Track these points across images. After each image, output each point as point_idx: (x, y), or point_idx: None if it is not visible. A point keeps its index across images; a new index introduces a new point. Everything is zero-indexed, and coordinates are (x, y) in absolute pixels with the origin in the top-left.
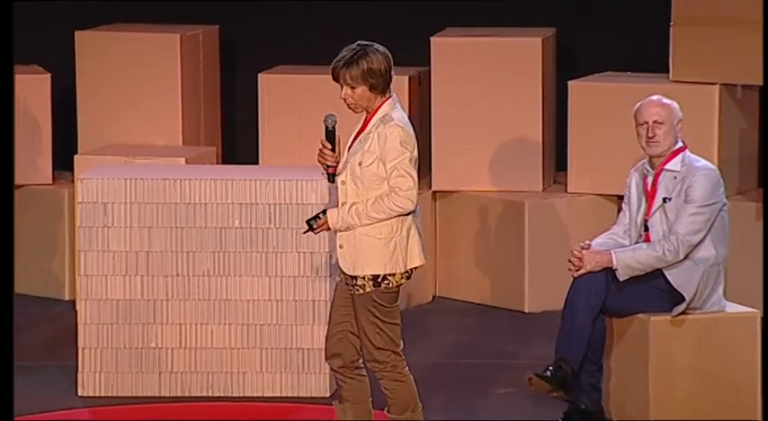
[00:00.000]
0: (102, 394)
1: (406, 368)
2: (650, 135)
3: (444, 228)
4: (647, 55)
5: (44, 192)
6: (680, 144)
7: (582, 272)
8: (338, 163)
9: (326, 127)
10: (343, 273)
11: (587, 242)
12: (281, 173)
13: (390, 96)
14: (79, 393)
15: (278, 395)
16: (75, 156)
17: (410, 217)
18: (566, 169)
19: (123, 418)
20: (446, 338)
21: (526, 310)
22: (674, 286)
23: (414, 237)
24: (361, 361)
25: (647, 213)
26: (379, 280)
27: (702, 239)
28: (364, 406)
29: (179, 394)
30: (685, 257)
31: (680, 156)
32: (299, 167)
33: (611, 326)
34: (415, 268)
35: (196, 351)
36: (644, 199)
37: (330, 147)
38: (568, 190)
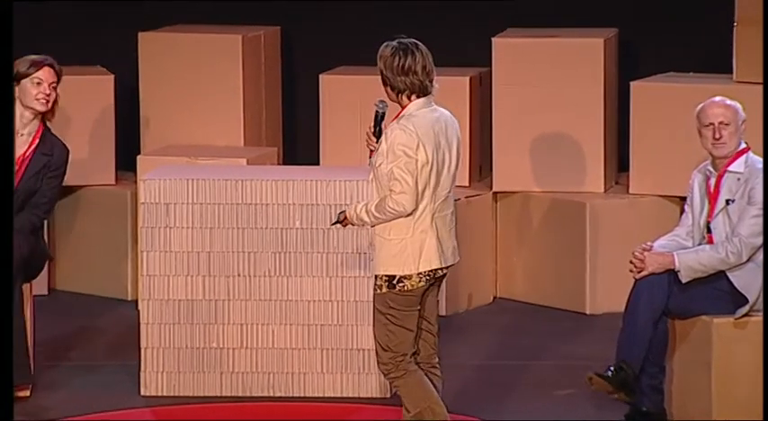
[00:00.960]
0: (165, 394)
1: (412, 364)
2: (717, 136)
3: (505, 229)
4: (710, 55)
5: (107, 193)
6: (743, 145)
7: (644, 273)
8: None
9: (375, 111)
10: None
11: (649, 243)
12: (341, 173)
13: (418, 97)
14: (142, 392)
15: (338, 395)
16: (138, 157)
17: (428, 219)
18: (627, 170)
19: (185, 418)
20: (506, 339)
21: (587, 312)
22: (738, 288)
23: (431, 240)
24: (437, 360)
25: (710, 215)
26: (394, 281)
27: (765, 241)
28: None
29: (240, 394)
30: (748, 259)
31: (743, 158)
32: (360, 168)
33: (673, 327)
34: (440, 274)
35: (257, 351)
36: (707, 201)
37: (374, 131)
38: (630, 191)
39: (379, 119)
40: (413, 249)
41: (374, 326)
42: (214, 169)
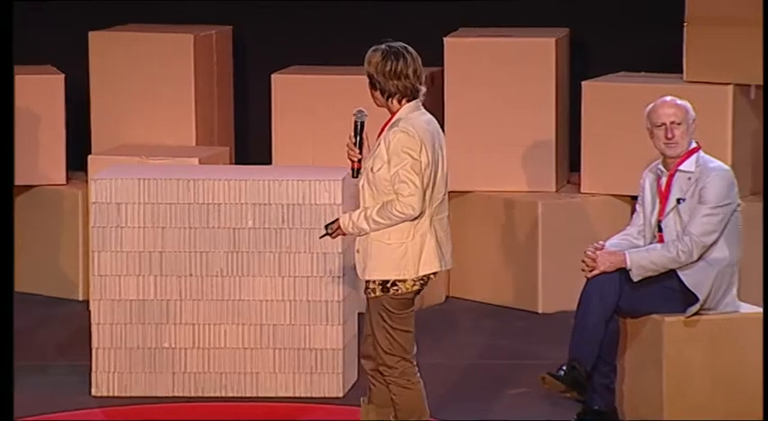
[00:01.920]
0: (116, 394)
1: (417, 376)
2: (669, 136)
3: (457, 229)
4: (660, 55)
5: (58, 193)
6: (693, 144)
7: (595, 272)
8: (361, 159)
9: (354, 122)
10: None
11: (601, 242)
12: (294, 173)
13: (409, 101)
14: (93, 393)
15: (291, 395)
16: (89, 157)
17: (426, 222)
18: (579, 169)
19: (137, 418)
20: (459, 339)
21: (539, 311)
22: (688, 287)
23: (430, 243)
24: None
25: (661, 214)
26: (388, 285)
27: (716, 240)
28: (388, 410)
29: (192, 394)
30: (699, 258)
31: (694, 157)
32: (312, 168)
33: (624, 326)
34: (432, 275)
35: (209, 351)
36: (658, 200)
37: (354, 141)
38: (582, 190)
39: (358, 129)
40: (413, 253)
41: (374, 329)
42: (166, 169)
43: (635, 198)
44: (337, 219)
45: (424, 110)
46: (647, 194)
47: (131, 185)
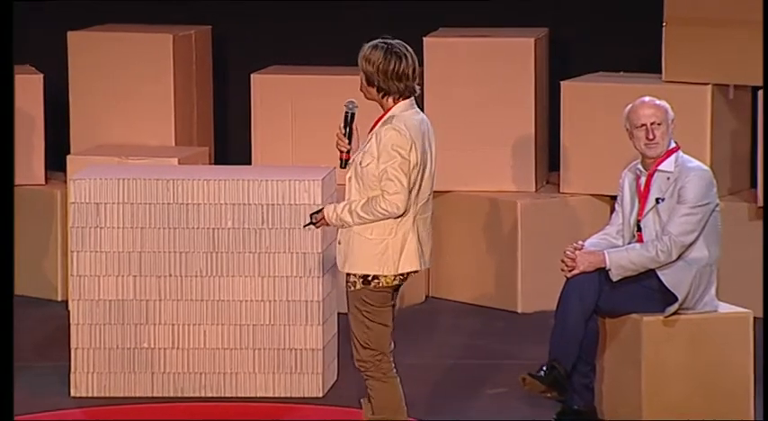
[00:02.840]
0: (95, 394)
1: (393, 371)
2: (650, 137)
3: (437, 228)
4: (639, 55)
5: (36, 193)
6: (672, 144)
7: (575, 272)
8: (350, 150)
9: (345, 112)
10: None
11: (580, 242)
12: (273, 173)
13: (405, 99)
14: (72, 394)
15: (271, 395)
16: (68, 157)
17: (410, 221)
18: (558, 169)
19: (116, 419)
20: (438, 339)
21: (519, 311)
22: (667, 286)
23: (411, 241)
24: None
25: (640, 214)
26: (369, 278)
27: (695, 240)
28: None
29: (171, 394)
30: (678, 258)
31: (673, 157)
32: (292, 168)
33: (603, 326)
34: (411, 272)
35: (189, 351)
36: (637, 199)
37: (344, 132)
38: (561, 190)
39: (348, 119)
40: (394, 250)
41: (352, 323)
42: (145, 169)
43: (614, 198)
44: (322, 209)
45: (417, 108)
46: (626, 194)
47: (110, 185)
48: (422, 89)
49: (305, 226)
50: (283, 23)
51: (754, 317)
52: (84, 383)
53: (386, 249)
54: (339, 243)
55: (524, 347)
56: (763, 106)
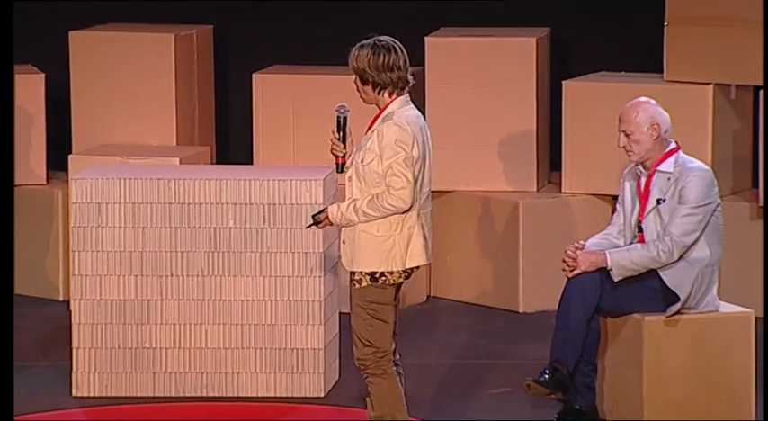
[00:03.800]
0: (97, 394)
1: (393, 368)
2: (621, 144)
3: (438, 228)
4: (641, 55)
5: (38, 193)
6: (673, 145)
7: (576, 272)
8: (346, 154)
9: (337, 117)
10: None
11: (581, 242)
12: (275, 173)
13: (401, 95)
14: (73, 393)
15: (272, 395)
16: (69, 157)
17: (414, 215)
18: (560, 169)
19: (117, 418)
20: (440, 338)
21: (520, 310)
22: (669, 286)
23: (417, 236)
24: (398, 357)
25: (641, 214)
26: (377, 275)
27: (696, 240)
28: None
29: (173, 394)
30: (680, 258)
31: (673, 157)
32: (293, 167)
33: (605, 326)
34: (416, 268)
35: (190, 351)
36: (638, 200)
37: (338, 136)
38: (563, 190)
39: (341, 124)
40: (401, 246)
41: (354, 321)
42: (146, 168)
43: (615, 197)
44: (325, 210)
45: (412, 105)
46: (627, 195)
47: (112, 185)
48: (423, 89)
49: (307, 227)
50: (285, 23)
51: (756, 317)
52: (85, 383)
53: (393, 245)
54: (343, 242)
55: (525, 347)
56: (764, 106)
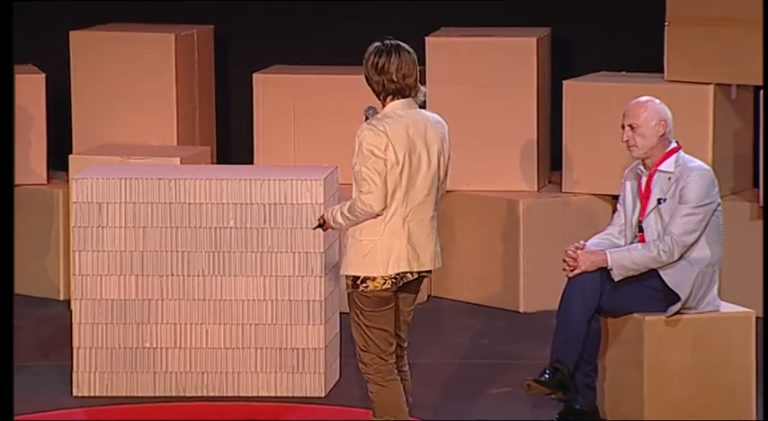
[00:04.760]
0: (97, 394)
1: (394, 373)
2: (625, 139)
3: (439, 228)
4: (641, 54)
5: (38, 192)
6: (674, 144)
7: (577, 272)
8: None
9: (365, 117)
10: None
11: (582, 242)
12: (275, 173)
13: (398, 99)
14: (74, 393)
15: (273, 395)
16: (70, 156)
17: (398, 221)
18: (560, 169)
19: (118, 418)
20: (441, 338)
21: (521, 310)
22: (670, 286)
23: (401, 243)
24: (404, 365)
25: (642, 214)
26: (358, 281)
27: (697, 240)
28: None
29: (174, 394)
30: (680, 257)
31: (674, 157)
32: (294, 167)
33: (605, 326)
34: (408, 274)
35: (191, 351)
36: (638, 200)
37: None
38: (563, 190)
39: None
40: (381, 251)
41: (351, 325)
42: (147, 168)
43: (616, 197)
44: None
45: (417, 109)
46: (628, 194)
47: (113, 185)
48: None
49: (314, 228)
50: (285, 23)
51: (756, 317)
52: (86, 383)
53: (373, 250)
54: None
55: (526, 347)
56: (765, 106)
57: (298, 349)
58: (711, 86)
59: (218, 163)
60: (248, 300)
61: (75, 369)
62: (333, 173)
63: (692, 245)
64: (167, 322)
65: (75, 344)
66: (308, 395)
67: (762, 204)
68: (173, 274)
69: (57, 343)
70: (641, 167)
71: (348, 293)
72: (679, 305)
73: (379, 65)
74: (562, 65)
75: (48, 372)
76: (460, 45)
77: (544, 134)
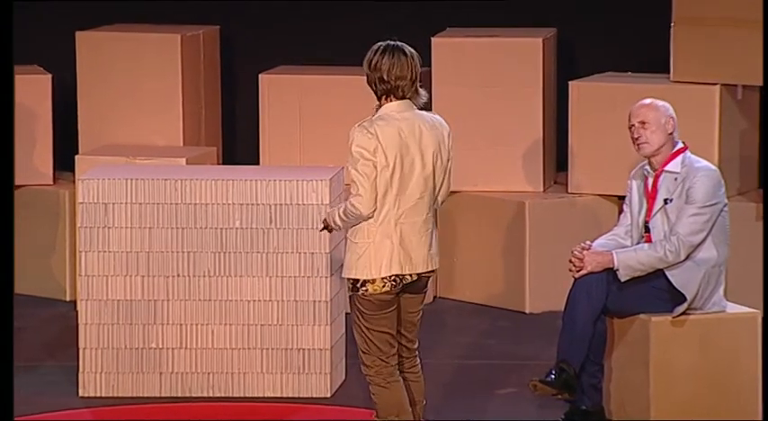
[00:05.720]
0: (103, 394)
1: (396, 375)
2: (635, 136)
3: (445, 229)
4: (647, 55)
5: (45, 193)
6: (680, 145)
7: (583, 272)
8: None
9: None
10: None
11: (588, 243)
12: (281, 173)
13: (392, 100)
14: (80, 393)
15: (279, 395)
16: (76, 157)
17: (390, 224)
18: (566, 169)
19: (124, 418)
20: (447, 339)
21: (527, 311)
22: (676, 286)
23: (392, 245)
24: (416, 364)
25: (648, 215)
26: (358, 285)
27: (703, 240)
28: (415, 409)
29: (179, 394)
30: (686, 258)
31: (680, 157)
32: (300, 168)
33: (611, 326)
34: (405, 279)
35: (197, 351)
36: (645, 200)
37: None
38: (569, 190)
39: None
40: (374, 254)
41: (352, 327)
42: (153, 169)
43: (622, 198)
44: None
45: (416, 111)
46: (635, 195)
47: (119, 185)
48: (429, 89)
49: (320, 230)
50: (291, 23)
51: (762, 317)
52: (92, 383)
53: (366, 253)
54: None
55: (532, 348)
56: (764, 106)
57: (303, 350)
58: (717, 87)
59: (223, 163)
60: (254, 301)
61: (81, 369)
62: (339, 173)
63: (699, 245)
64: (173, 323)
65: (81, 345)
66: (314, 395)
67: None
68: (178, 275)
69: (63, 343)
70: (647, 168)
71: (349, 296)
72: (685, 305)
73: (373, 62)
74: (568, 65)
75: (54, 373)
76: (466, 46)
77: (550, 135)
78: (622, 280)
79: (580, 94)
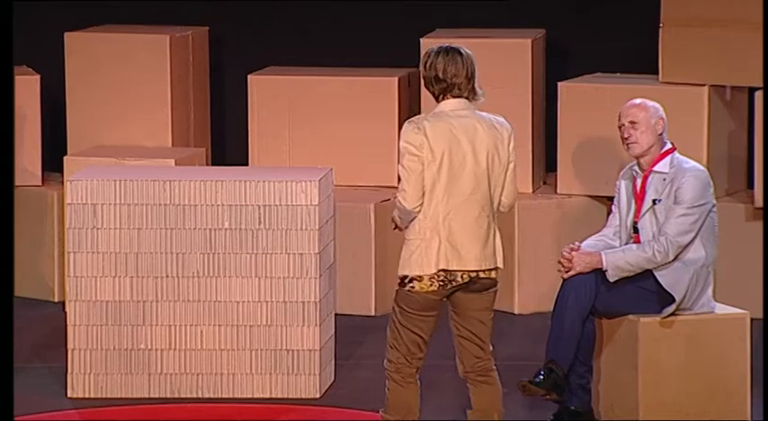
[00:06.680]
0: (92, 395)
1: (415, 377)
2: (625, 136)
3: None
4: (636, 56)
5: (33, 194)
6: (668, 145)
7: (571, 273)
8: None
9: None
10: None
11: (577, 243)
12: (270, 174)
13: (447, 98)
14: (68, 394)
15: (268, 396)
16: (65, 158)
17: (438, 220)
18: (555, 170)
19: (113, 419)
20: (435, 339)
21: (516, 312)
22: (664, 287)
23: (439, 241)
24: (490, 367)
25: (637, 215)
26: (406, 280)
27: (692, 240)
28: (492, 412)
29: (168, 395)
30: (675, 258)
31: (668, 158)
32: (289, 169)
33: (600, 327)
34: (456, 278)
35: (186, 352)
36: (633, 201)
37: None
38: (558, 191)
39: None
40: (423, 250)
41: (388, 322)
42: (142, 170)
43: (611, 199)
44: None
45: (471, 111)
46: (623, 196)
47: (107, 186)
48: (418, 90)
49: (393, 229)
50: (280, 25)
51: (753, 319)
52: (80, 384)
53: (418, 249)
54: None
55: (521, 348)
56: (763, 107)
57: (292, 350)
58: (706, 88)
59: (212, 164)
60: (243, 302)
61: (69, 370)
62: (328, 174)
63: (687, 245)
64: (162, 323)
65: (69, 346)
66: (303, 396)
67: (760, 205)
68: (167, 276)
69: (51, 344)
70: (636, 168)
71: (396, 290)
72: (674, 306)
73: (428, 63)
74: (557, 66)
75: (42, 374)
76: None
77: (539, 136)
78: (611, 280)
79: (569, 94)
